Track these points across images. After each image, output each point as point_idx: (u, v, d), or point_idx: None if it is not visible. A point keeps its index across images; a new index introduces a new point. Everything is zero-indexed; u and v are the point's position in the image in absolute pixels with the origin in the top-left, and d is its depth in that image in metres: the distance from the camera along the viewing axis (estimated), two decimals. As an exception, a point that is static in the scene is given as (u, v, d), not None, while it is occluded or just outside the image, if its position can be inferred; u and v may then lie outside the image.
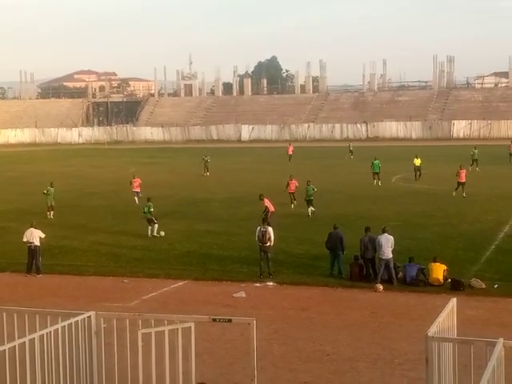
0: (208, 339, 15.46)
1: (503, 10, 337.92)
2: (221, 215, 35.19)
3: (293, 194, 37.07)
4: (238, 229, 31.04)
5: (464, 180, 40.13)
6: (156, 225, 30.21)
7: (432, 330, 10.67)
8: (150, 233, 30.05)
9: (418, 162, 48.90)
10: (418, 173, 48.33)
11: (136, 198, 39.54)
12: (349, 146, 70.65)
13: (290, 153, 67.14)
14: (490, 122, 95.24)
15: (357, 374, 14.69)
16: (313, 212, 34.32)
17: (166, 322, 11.71)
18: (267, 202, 31.94)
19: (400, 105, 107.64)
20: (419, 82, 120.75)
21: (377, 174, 46.70)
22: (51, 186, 36.74)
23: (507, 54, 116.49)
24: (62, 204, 40.06)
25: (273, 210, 31.56)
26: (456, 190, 39.89)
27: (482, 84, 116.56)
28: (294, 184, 37.37)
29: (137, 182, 41.15)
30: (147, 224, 30.25)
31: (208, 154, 57.30)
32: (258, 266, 23.08)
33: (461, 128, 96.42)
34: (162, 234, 30.16)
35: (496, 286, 21.10)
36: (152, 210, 30.58)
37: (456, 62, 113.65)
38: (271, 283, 22.32)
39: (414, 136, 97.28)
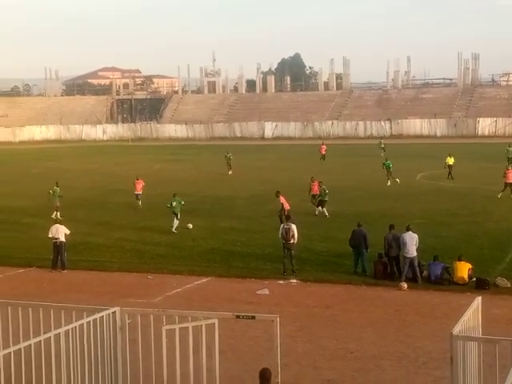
0: (232, 336, 15.48)
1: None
2: (244, 212, 35.22)
3: (315, 196, 35.04)
4: (261, 226, 31.06)
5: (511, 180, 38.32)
6: (177, 221, 30.33)
7: (457, 329, 10.60)
8: (174, 228, 30.36)
9: (451, 160, 48.19)
10: (450, 171, 47.56)
11: (139, 201, 37.72)
12: (379, 143, 69.96)
13: (323, 152, 64.76)
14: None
15: (381, 372, 14.64)
16: (320, 212, 33.57)
17: (189, 318, 11.74)
18: (283, 200, 31.79)
19: (424, 102, 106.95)
20: (444, 79, 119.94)
21: (390, 173, 45.91)
22: (57, 186, 36.36)
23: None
24: (87, 201, 40.41)
25: (288, 207, 31.31)
26: (502, 191, 38.22)
27: (508, 81, 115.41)
28: (316, 186, 35.39)
29: (140, 183, 38.53)
30: (173, 217, 30.67)
31: (230, 152, 56.96)
32: (281, 263, 23.08)
33: (486, 125, 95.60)
34: (190, 226, 30.80)
35: (522, 284, 20.90)
36: (174, 205, 30.76)
37: (481, 59, 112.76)
38: (295, 280, 22.30)
39: (438, 133, 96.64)
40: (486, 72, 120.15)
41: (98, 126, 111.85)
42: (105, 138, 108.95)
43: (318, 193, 34.98)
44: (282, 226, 23.38)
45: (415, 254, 21.76)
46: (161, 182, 49.48)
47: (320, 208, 33.84)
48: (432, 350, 15.56)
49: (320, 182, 34.98)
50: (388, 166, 46.17)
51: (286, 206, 31.33)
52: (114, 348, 11.93)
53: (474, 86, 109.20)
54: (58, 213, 34.04)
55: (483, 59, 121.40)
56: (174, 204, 30.78)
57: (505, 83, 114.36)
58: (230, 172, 54.21)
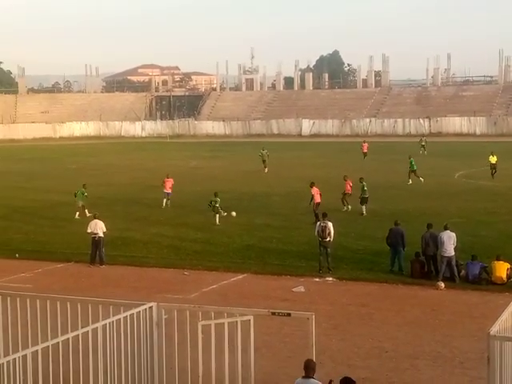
0: (267, 333, 15.51)
1: None
2: (280, 209, 35.22)
3: (348, 194, 34.34)
4: (297, 223, 31.04)
5: None
6: (222, 213, 31.39)
7: (494, 329, 10.51)
8: (217, 221, 31.28)
9: (493, 159, 47.31)
10: (493, 170, 46.72)
11: (165, 200, 36.70)
12: (420, 141, 69.14)
13: (365, 150, 63.20)
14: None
15: (416, 371, 14.56)
16: (364, 211, 33.19)
17: (225, 314, 11.82)
18: (314, 191, 31.86)
19: (464, 100, 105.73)
20: (484, 76, 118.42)
21: (414, 171, 44.98)
22: (84, 187, 35.92)
23: None
24: (125, 196, 40.79)
25: (319, 201, 31.55)
26: None
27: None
28: (348, 184, 34.72)
29: (170, 182, 37.32)
30: (213, 214, 31.46)
31: (266, 148, 55.97)
32: (317, 261, 23.05)
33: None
34: (234, 214, 32.20)
35: (561, 285, 20.59)
36: (218, 205, 31.40)
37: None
38: (330, 278, 22.26)
39: (478, 132, 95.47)
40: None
41: (136, 122, 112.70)
42: (143, 134, 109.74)
43: (350, 192, 34.54)
44: (318, 223, 23.35)
45: (453, 253, 21.57)
46: (198, 179, 49.76)
47: (363, 206, 33.35)
48: (468, 349, 15.43)
49: (361, 178, 34.46)
50: (412, 163, 45.41)
51: (317, 199, 31.65)
52: (150, 343, 12.06)
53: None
54: (78, 213, 33.94)
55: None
56: (217, 205, 31.50)
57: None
58: (266, 170, 53.34)
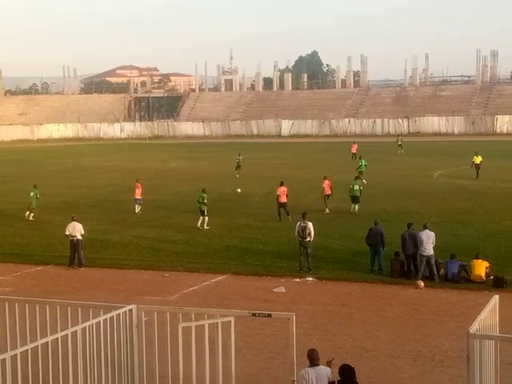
0: (248, 334, 15.50)
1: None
2: (261, 210, 35.22)
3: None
4: (277, 224, 31.05)
5: None
6: (206, 217, 30.53)
7: (474, 328, 10.56)
8: (199, 224, 30.44)
9: (478, 159, 47.10)
10: (478, 171, 46.42)
11: (136, 206, 35.31)
12: (397, 140, 69.32)
13: (354, 151, 61.71)
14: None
15: (397, 370, 14.60)
16: (353, 209, 33.26)
17: (206, 316, 11.77)
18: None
19: (442, 99, 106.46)
20: (462, 76, 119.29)
21: (362, 173, 44.78)
22: (35, 188, 35.82)
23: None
24: (104, 198, 40.59)
25: (329, 192, 33.40)
26: None
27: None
28: (327, 185, 34.12)
29: (139, 187, 35.60)
30: (199, 215, 30.79)
31: (242, 154, 53.84)
32: (297, 261, 23.07)
33: (504, 123, 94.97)
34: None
35: (540, 283, 20.76)
36: (206, 201, 30.99)
37: (500, 56, 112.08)
38: (311, 278, 22.29)
39: (456, 131, 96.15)
40: (505, 69, 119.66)
41: (115, 124, 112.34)
42: (122, 136, 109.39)
43: (329, 192, 34.34)
44: (298, 223, 23.38)
45: (432, 252, 21.69)
46: (178, 180, 49.66)
47: (353, 205, 33.46)
48: (448, 348, 15.51)
49: (356, 177, 35.07)
50: (363, 165, 45.72)
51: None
52: (130, 345, 11.99)
53: (493, 83, 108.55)
54: (32, 214, 33.97)
55: (502, 56, 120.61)
56: (206, 201, 31.05)
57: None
58: (238, 176, 50.82)
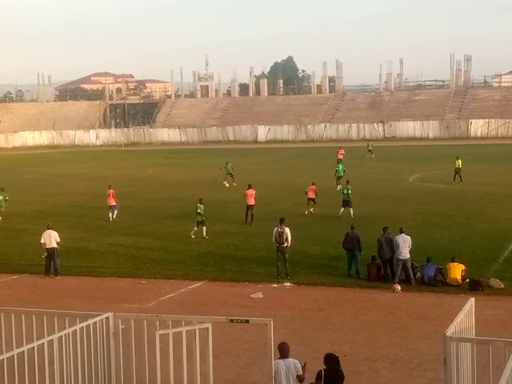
0: (225, 340, 15.47)
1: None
2: (238, 216, 35.17)
3: (252, 206, 32.88)
4: (254, 229, 31.06)
5: None
6: (204, 227, 29.72)
7: (450, 331, 10.63)
8: (192, 233, 29.65)
9: (458, 163, 46.50)
10: (457, 175, 46.14)
11: (110, 214, 35.04)
12: (367, 146, 69.47)
13: (340, 157, 58.67)
14: (507, 120, 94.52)
15: (375, 374, 14.66)
16: (343, 213, 33.47)
17: (183, 322, 11.74)
18: (310, 189, 34.41)
19: (417, 104, 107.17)
20: (436, 81, 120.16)
21: (341, 177, 44.72)
22: (2, 190, 35.41)
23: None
24: (80, 206, 40.32)
25: (312, 196, 34.56)
26: None
27: (500, 83, 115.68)
28: (252, 194, 33.59)
29: (112, 193, 35.42)
30: (194, 224, 29.94)
31: (229, 162, 51.50)
32: (275, 266, 23.08)
33: (478, 127, 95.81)
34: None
35: (515, 285, 20.96)
36: (200, 211, 29.82)
37: (473, 60, 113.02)
38: (288, 284, 22.31)
39: (431, 135, 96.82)
40: (479, 74, 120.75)
41: (90, 131, 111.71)
42: (98, 143, 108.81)
43: (313, 197, 34.80)
44: (275, 229, 23.40)
45: (408, 255, 21.82)
46: (154, 186, 49.50)
47: (343, 208, 33.74)
48: (426, 351, 15.60)
49: (347, 182, 35.46)
50: (341, 170, 45.68)
51: (311, 195, 34.69)
52: (107, 353, 11.93)
53: (467, 87, 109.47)
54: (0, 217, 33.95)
55: (475, 61, 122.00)
56: (201, 211, 29.88)
57: (497, 84, 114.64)
58: (235, 184, 47.59)
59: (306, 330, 17.66)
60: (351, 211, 33.45)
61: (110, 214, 35.12)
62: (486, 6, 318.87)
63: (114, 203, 35.36)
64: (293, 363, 11.41)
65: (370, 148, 67.95)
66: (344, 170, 45.99)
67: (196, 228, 29.95)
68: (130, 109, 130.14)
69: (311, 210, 34.65)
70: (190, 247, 28.06)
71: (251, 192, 33.22)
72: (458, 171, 46.47)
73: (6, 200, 34.76)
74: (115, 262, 25.96)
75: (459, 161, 46.79)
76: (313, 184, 35.52)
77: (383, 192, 42.63)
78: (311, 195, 34.92)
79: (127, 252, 27.57)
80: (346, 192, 34.00)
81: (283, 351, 11.47)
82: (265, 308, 19.35)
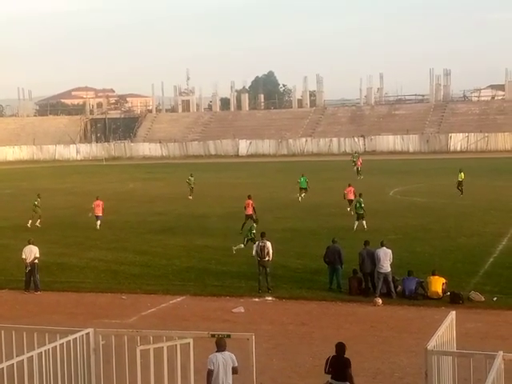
0: (207, 355, 15.34)
1: (498, 22, 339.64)
2: (219, 230, 35.14)
3: (251, 216, 33.52)
4: (236, 243, 30.98)
5: None
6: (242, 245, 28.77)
7: (431, 344, 10.67)
8: (235, 248, 28.72)
9: (461, 176, 46.05)
10: (460, 187, 45.54)
11: (98, 223, 36.34)
12: (352, 157, 70.07)
13: (359, 165, 61.71)
14: (487, 134, 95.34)
15: (357, 388, 14.61)
16: (363, 227, 33.35)
17: (164, 338, 11.70)
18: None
19: (397, 118, 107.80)
20: (416, 95, 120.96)
21: (304, 189, 45.72)
22: None
23: (503, 66, 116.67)
24: (61, 221, 40.05)
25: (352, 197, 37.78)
26: None
27: (479, 97, 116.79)
28: (250, 204, 34.19)
29: (99, 205, 36.71)
30: (242, 241, 28.89)
31: (194, 175, 52.23)
32: (256, 280, 23.05)
33: (458, 141, 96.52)
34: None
35: (495, 298, 21.09)
36: (254, 231, 28.69)
37: (452, 75, 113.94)
38: (270, 298, 22.28)
39: (411, 149, 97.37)
40: (458, 88, 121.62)
41: (71, 145, 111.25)
42: (78, 157, 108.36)
43: (252, 213, 34.14)
44: (256, 243, 23.37)
45: (389, 269, 21.88)
46: (136, 201, 49.33)
47: (357, 222, 33.80)
48: (407, 365, 15.61)
49: (360, 194, 35.64)
50: (304, 182, 46.13)
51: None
52: (87, 369, 11.85)
53: (446, 101, 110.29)
54: None
55: (455, 75, 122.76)
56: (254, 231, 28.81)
57: (476, 99, 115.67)
58: (191, 197, 49.26)
59: (287, 344, 17.63)
60: (364, 223, 33.54)
61: (98, 222, 36.33)
62: (466, 22, 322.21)
63: (100, 214, 36.50)
64: (229, 356, 12.06)
65: (355, 159, 68.45)
66: (307, 182, 46.38)
67: (243, 245, 28.64)
68: (111, 123, 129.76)
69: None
70: (171, 262, 27.96)
71: (248, 202, 34.10)
72: (459, 184, 45.82)
73: None
74: (96, 277, 25.79)
75: (462, 173, 46.17)
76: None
77: (364, 205, 42.67)
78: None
79: (108, 267, 27.41)
80: (358, 205, 34.16)
81: (220, 345, 12.04)
82: (246, 323, 19.30)
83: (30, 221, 37.33)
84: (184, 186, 51.48)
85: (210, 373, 11.87)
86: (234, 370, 12.21)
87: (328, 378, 12.59)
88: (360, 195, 35.42)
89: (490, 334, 17.99)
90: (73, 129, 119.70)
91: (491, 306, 20.42)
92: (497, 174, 58.96)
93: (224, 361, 11.99)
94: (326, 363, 12.55)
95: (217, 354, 12.02)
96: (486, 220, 35.84)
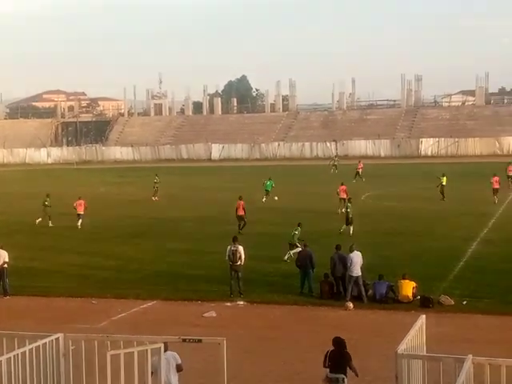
0: (178, 360, 15.32)
1: (467, 29, 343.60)
2: (191, 234, 35.08)
3: (242, 217, 34.79)
4: (208, 248, 30.94)
5: None
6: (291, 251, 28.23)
7: (401, 348, 10.73)
8: (286, 257, 28.05)
9: (444, 180, 46.46)
10: (442, 191, 45.85)
11: (79, 222, 37.64)
12: (333, 160, 71.69)
13: (359, 169, 62.60)
14: (457, 139, 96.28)
15: (327, 392, 14.63)
16: (345, 230, 33.54)
17: (135, 343, 11.63)
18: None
19: (369, 123, 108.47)
20: (387, 100, 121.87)
21: (268, 192, 46.99)
22: None
23: (474, 72, 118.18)
24: (30, 225, 39.67)
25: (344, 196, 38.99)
26: None
27: (450, 102, 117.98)
28: (241, 205, 34.91)
29: (82, 204, 38.09)
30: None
31: (159, 176, 53.31)
32: (228, 285, 23.03)
33: (428, 146, 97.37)
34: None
35: (465, 302, 21.27)
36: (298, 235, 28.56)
37: (424, 80, 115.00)
38: (242, 302, 22.27)
39: (382, 154, 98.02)
40: (429, 93, 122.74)
41: (42, 149, 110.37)
42: (49, 161, 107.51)
43: (243, 214, 34.83)
44: (228, 247, 23.37)
45: (360, 273, 21.99)
46: (107, 205, 49.04)
47: (345, 226, 33.83)
48: (377, 368, 15.68)
49: (349, 199, 35.84)
50: (270, 186, 47.16)
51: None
52: (57, 375, 11.75)
53: (417, 107, 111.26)
54: None
55: (426, 81, 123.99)
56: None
57: (447, 104, 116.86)
58: (156, 198, 50.27)
59: (259, 348, 17.63)
60: (351, 229, 33.44)
61: (80, 221, 37.45)
62: (435, 28, 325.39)
63: (82, 212, 37.79)
64: (171, 355, 12.39)
65: (335, 163, 70.13)
66: (272, 186, 47.21)
67: (291, 252, 27.96)
68: (83, 127, 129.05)
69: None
70: (142, 266, 27.84)
71: (239, 203, 34.69)
72: (442, 188, 46.03)
73: None
74: (66, 282, 25.60)
75: (445, 178, 46.52)
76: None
77: (335, 210, 42.86)
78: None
79: (78, 271, 27.22)
80: (345, 210, 34.34)
81: (165, 347, 12.17)
82: (218, 327, 19.26)
83: (39, 219, 39.15)
84: (158, 190, 51.40)
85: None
86: (179, 368, 12.54)
87: (326, 371, 13.17)
88: (349, 200, 35.55)
89: (460, 337, 18.14)
90: (44, 132, 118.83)
91: (461, 310, 20.59)
92: (467, 179, 59.51)
93: (167, 361, 12.18)
94: (325, 357, 13.03)
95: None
96: (456, 224, 36.17)
